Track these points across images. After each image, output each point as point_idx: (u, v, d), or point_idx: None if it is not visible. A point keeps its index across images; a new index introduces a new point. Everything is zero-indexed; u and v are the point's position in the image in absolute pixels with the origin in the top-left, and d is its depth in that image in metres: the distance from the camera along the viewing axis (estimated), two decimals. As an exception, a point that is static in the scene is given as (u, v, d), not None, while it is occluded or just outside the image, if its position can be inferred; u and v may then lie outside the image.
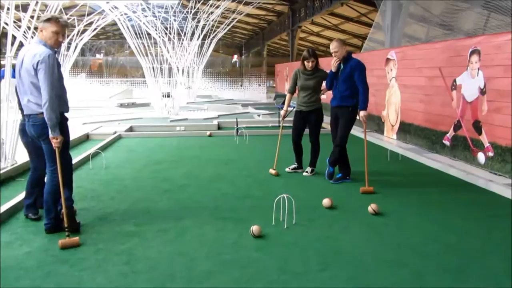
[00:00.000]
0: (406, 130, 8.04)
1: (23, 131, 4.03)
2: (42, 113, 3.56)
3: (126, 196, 4.76)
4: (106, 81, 23.55)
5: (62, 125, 3.67)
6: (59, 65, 3.66)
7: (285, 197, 3.89)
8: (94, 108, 14.80)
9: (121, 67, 26.94)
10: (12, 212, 4.15)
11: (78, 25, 19.25)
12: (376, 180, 5.47)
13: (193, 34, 15.44)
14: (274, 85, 24.17)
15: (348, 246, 3.42)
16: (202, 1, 15.10)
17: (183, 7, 15.70)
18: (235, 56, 36.48)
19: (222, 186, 5.19)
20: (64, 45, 19.57)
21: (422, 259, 3.18)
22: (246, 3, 17.56)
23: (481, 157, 5.95)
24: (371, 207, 4.17)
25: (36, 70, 3.50)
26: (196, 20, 15.42)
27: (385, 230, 3.76)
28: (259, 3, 17.36)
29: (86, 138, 8.70)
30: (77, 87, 19.63)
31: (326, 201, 4.37)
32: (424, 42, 8.53)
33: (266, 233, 3.65)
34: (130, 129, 9.76)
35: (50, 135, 3.55)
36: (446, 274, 2.93)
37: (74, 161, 6.17)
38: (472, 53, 6.05)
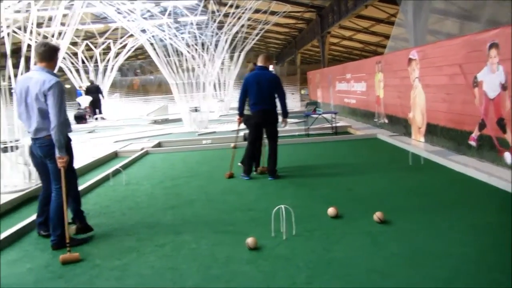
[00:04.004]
0: (432, 131, 7.73)
1: (32, 153, 4.23)
2: (48, 135, 3.75)
3: (136, 212, 4.86)
4: (144, 99, 24.33)
5: (67, 146, 3.85)
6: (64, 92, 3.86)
7: (283, 208, 3.84)
8: (128, 126, 15.28)
9: (158, 85, 27.73)
10: (27, 230, 4.35)
11: (114, 47, 20.10)
12: (390, 186, 5.30)
13: (221, 47, 15.66)
14: (308, 93, 23.99)
15: (342, 257, 3.30)
16: (223, 12, 15.33)
17: (212, 21, 16.00)
18: (270, 66, 36.59)
19: (230, 199, 5.19)
20: (101, 67, 20.44)
21: (412, 269, 3.02)
22: (272, 13, 17.65)
23: (507, 157, 5.60)
24: (376, 215, 4.02)
25: (45, 96, 3.68)
26: (223, 33, 15.66)
27: (383, 239, 3.60)
28: (284, 12, 17.39)
29: (114, 156, 8.99)
30: (113, 107, 20.43)
31: (331, 210, 4.26)
32: (447, 38, 8.20)
33: (263, 245, 3.61)
34: (158, 145, 9.99)
35: (57, 155, 3.73)
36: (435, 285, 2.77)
37: (97, 178, 6.45)
38: (490, 46, 5.75)
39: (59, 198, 3.86)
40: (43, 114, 3.71)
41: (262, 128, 6.22)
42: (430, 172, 5.87)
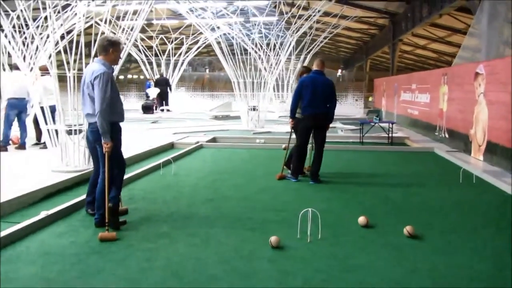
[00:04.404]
0: (492, 150, 7.33)
1: (87, 138, 4.62)
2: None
3: (177, 202, 5.12)
4: (210, 94, 25.08)
5: (114, 133, 4.17)
6: (113, 82, 4.17)
7: (310, 211, 3.89)
8: (190, 119, 15.86)
9: (225, 82, 28.43)
10: (78, 207, 4.75)
11: (186, 43, 20.88)
12: (432, 201, 5.15)
13: (286, 47, 15.76)
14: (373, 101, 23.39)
15: (361, 265, 3.31)
16: (290, 14, 15.41)
17: (280, 22, 16.16)
18: (339, 70, 36.16)
19: (266, 198, 5.30)
20: (173, 61, 21.32)
21: (430, 285, 2.97)
22: (343, 17, 17.46)
23: None
24: (406, 229, 3.95)
25: (93, 85, 4.04)
26: (290, 34, 15.75)
27: (408, 253, 3.55)
28: (355, 17, 17.13)
29: (171, 147, 9.43)
30: (180, 100, 21.26)
31: (361, 219, 4.25)
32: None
33: (287, 245, 3.70)
34: (213, 139, 10.33)
35: (102, 141, 4.06)
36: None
37: (150, 166, 6.83)
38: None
39: (104, 181, 4.18)
40: (91, 101, 4.06)
41: (311, 132, 6.27)
42: (479, 192, 5.61)
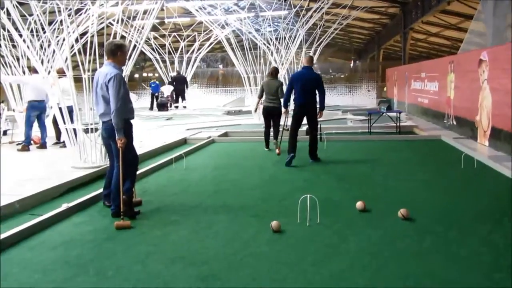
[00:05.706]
0: (496, 136, 7.45)
1: (102, 135, 4.97)
2: (111, 119, 4.42)
3: (186, 194, 5.44)
4: (224, 90, 25.39)
5: (127, 129, 4.50)
6: (125, 82, 4.51)
7: (308, 197, 4.16)
8: (203, 116, 16.20)
9: (239, 77, 28.72)
10: (96, 200, 5.11)
11: (198, 40, 21.20)
12: (430, 187, 5.35)
13: (296, 40, 15.92)
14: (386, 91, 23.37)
15: (351, 251, 3.54)
16: (298, 6, 15.57)
17: (291, 15, 16.32)
18: (352, 62, 36.09)
19: (271, 189, 5.57)
20: (185, 58, 21.65)
21: (413, 269, 3.21)
22: (353, 8, 17.52)
23: None
24: (401, 212, 4.19)
25: (107, 86, 4.38)
26: (301, 27, 15.90)
27: (403, 240, 3.73)
28: (364, 8, 17.18)
29: (184, 142, 9.77)
30: (194, 96, 21.65)
31: (359, 204, 4.49)
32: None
33: (287, 230, 3.98)
34: (225, 134, 10.64)
35: (116, 137, 4.39)
36: None
37: (163, 160, 7.17)
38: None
39: (118, 174, 4.52)
40: (106, 101, 4.40)
41: (302, 118, 7.03)
42: (478, 176, 5.79)
